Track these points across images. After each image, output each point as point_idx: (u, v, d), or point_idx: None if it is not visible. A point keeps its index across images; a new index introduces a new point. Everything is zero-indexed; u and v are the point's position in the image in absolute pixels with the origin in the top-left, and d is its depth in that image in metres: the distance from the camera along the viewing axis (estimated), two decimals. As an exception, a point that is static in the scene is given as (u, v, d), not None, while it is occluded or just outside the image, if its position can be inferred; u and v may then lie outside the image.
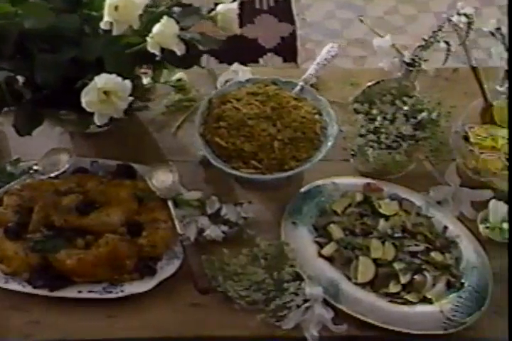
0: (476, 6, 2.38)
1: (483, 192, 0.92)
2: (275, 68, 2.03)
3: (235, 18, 0.88)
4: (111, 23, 0.76)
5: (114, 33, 0.75)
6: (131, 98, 0.77)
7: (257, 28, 2.34)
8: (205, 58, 2.29)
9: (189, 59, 0.86)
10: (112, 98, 0.75)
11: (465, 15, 0.88)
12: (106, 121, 0.76)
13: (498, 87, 1.09)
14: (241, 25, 2.39)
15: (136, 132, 1.06)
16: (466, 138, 0.97)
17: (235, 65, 1.10)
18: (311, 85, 1.11)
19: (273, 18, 2.37)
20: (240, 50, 2.33)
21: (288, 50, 2.25)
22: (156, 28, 0.78)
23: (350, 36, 2.38)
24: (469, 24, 0.90)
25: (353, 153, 0.92)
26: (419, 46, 0.93)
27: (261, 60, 2.16)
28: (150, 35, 0.78)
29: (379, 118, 0.87)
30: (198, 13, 0.87)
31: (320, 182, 0.94)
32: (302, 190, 0.93)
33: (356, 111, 0.92)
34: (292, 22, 2.33)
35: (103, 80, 0.73)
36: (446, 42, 0.91)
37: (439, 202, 0.94)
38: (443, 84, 1.12)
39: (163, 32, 0.78)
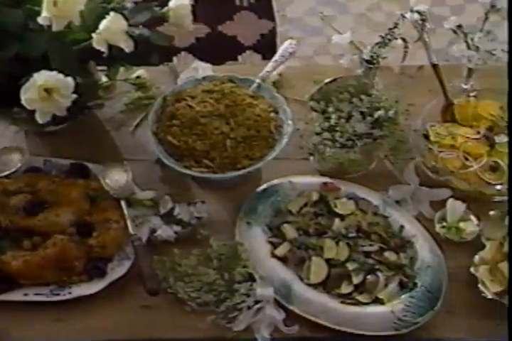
0: (461, 3, 2.41)
1: (442, 192, 0.93)
2: (253, 66, 2.03)
3: (187, 14, 0.88)
4: (52, 19, 0.75)
5: (54, 28, 0.75)
6: (74, 96, 0.77)
7: (236, 25, 2.34)
8: (182, 56, 2.30)
9: (140, 56, 0.86)
10: (54, 96, 0.74)
11: (418, 12, 0.89)
12: (48, 119, 0.76)
13: (463, 85, 1.11)
14: (220, 23, 2.41)
15: (94, 131, 1.06)
16: (427, 137, 0.98)
17: (196, 62, 1.10)
18: (274, 83, 1.12)
19: (253, 15, 2.38)
20: (218, 47, 2.34)
21: (267, 47, 2.25)
22: (103, 24, 0.78)
23: (332, 33, 2.40)
24: (423, 21, 0.90)
25: (310, 151, 0.92)
26: (376, 43, 0.93)
27: (240, 58, 2.17)
28: (97, 31, 0.78)
29: (333, 116, 0.87)
30: (149, 9, 0.88)
31: (276, 181, 0.94)
32: (258, 189, 0.94)
33: (313, 109, 0.92)
34: (272, 19, 2.33)
35: (43, 77, 0.73)
36: (403, 40, 0.92)
37: (398, 202, 0.94)
38: (408, 82, 1.13)
39: (110, 28, 0.78)
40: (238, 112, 0.90)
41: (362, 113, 0.90)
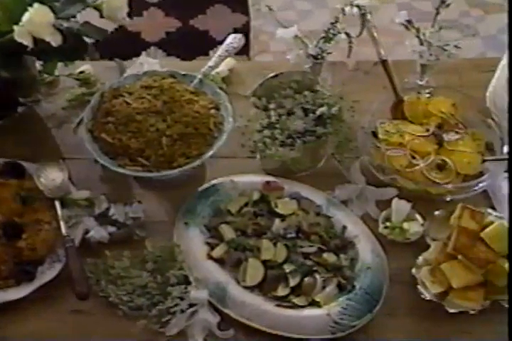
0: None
1: (388, 191, 0.92)
2: (259, 61, 2.02)
3: (122, 6, 0.87)
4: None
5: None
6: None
7: (208, 20, 2.33)
8: (151, 51, 2.29)
9: (71, 51, 0.85)
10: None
11: (357, 6, 0.89)
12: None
13: (418, 81, 1.11)
14: (192, 17, 2.41)
15: (34, 128, 1.05)
16: (375, 135, 0.98)
17: (142, 57, 1.09)
18: (223, 78, 1.12)
19: (226, 9, 2.37)
20: (189, 42, 2.33)
21: (240, 42, 2.25)
22: (26, 16, 0.77)
23: (307, 28, 2.40)
24: (363, 15, 0.90)
25: (251, 149, 0.92)
26: (321, 38, 0.93)
27: (211, 53, 2.16)
28: (20, 23, 0.77)
29: (273, 113, 0.87)
30: (82, 1, 0.87)
31: (218, 180, 0.94)
32: (200, 188, 0.93)
33: (255, 106, 0.92)
34: (246, 13, 2.33)
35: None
36: (347, 34, 0.92)
37: (345, 201, 0.95)
38: (362, 78, 1.13)
39: (34, 20, 0.77)
40: (176, 109, 0.89)
41: (305, 110, 0.90)
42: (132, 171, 0.86)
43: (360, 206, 0.94)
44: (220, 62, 0.98)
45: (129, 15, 1.75)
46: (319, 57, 0.94)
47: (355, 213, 0.92)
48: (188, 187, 0.95)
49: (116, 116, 0.89)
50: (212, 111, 0.92)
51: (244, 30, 2.24)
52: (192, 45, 2.18)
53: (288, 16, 2.31)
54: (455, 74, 1.15)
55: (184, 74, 0.95)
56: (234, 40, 0.99)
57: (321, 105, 0.90)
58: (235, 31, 2.26)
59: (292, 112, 0.89)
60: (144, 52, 2.17)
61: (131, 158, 0.87)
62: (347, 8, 0.89)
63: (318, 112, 0.89)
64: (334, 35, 0.92)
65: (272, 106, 0.90)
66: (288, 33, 0.95)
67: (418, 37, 1.01)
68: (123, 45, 2.18)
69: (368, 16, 0.96)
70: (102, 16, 0.85)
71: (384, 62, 0.99)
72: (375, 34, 0.97)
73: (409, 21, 0.99)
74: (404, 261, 0.87)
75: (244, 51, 2.32)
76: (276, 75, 0.93)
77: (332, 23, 0.90)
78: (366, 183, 0.94)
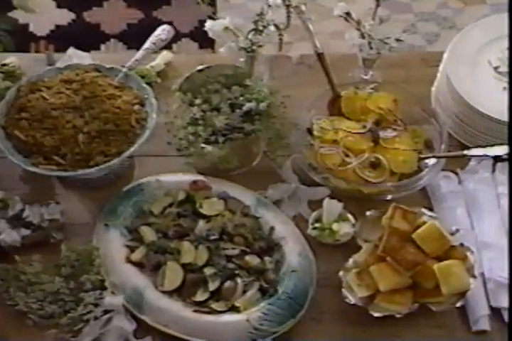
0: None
1: (320, 190, 0.92)
2: (187, 54, 2.00)
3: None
4: None
5: None
6: None
7: (173, 11, 2.31)
8: (111, 43, 2.26)
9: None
10: None
11: (281, -3, 0.88)
12: None
13: (363, 76, 1.10)
14: (155, 7, 2.38)
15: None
16: (311, 131, 0.97)
17: (70, 50, 1.07)
18: (158, 73, 1.10)
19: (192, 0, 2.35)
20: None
21: (205, 35, 2.22)
22: None
23: (276, 20, 2.39)
24: (288, 7, 0.90)
25: (176, 147, 0.90)
26: (251, 30, 0.92)
27: (175, 46, 2.14)
28: None
29: (196, 108, 0.86)
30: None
31: (143, 179, 0.92)
32: (124, 188, 0.92)
33: (182, 101, 0.90)
34: (213, 4, 2.31)
35: None
36: (276, 26, 0.91)
37: (278, 201, 0.93)
38: (305, 72, 1.12)
39: None
40: (95, 104, 0.88)
41: (232, 105, 0.89)
42: (46, 170, 0.84)
43: (292, 206, 0.93)
44: (147, 55, 0.96)
45: (88, 5, 1.71)
46: (250, 50, 0.93)
47: (288, 214, 0.91)
48: (115, 187, 0.94)
49: (31, 112, 0.87)
50: (136, 106, 0.90)
51: (210, 22, 2.22)
52: (154, 37, 2.16)
53: (256, 9, 2.30)
54: (402, 68, 1.14)
55: (109, 68, 0.93)
56: (162, 32, 0.98)
57: (250, 100, 0.89)
58: (200, 23, 2.24)
59: (219, 108, 0.88)
60: (102, 45, 2.16)
61: (45, 156, 0.85)
62: (270, 0, 0.88)
63: (245, 108, 0.87)
64: (264, 27, 0.90)
65: (198, 101, 0.88)
66: (217, 25, 0.94)
67: (358, 30, 1.01)
68: (80, 37, 2.15)
69: (303, 8, 0.95)
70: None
71: (320, 56, 0.98)
72: (310, 26, 0.96)
73: (348, 14, 0.99)
74: (335, 263, 0.86)
75: (209, 44, 2.31)
76: (203, 69, 0.92)
77: (259, 15, 0.89)
78: (300, 183, 0.94)
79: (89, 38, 2.20)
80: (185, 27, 2.19)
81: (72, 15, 2.19)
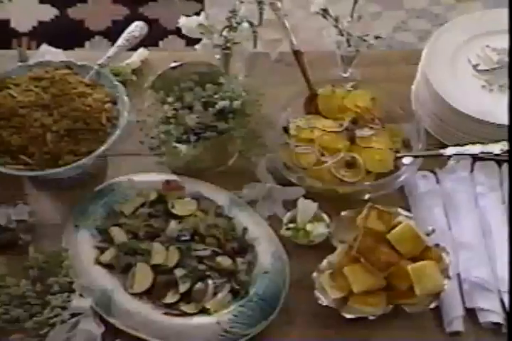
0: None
1: (295, 190, 0.91)
2: (175, 51, 1.99)
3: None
4: None
5: None
6: None
7: (159, 7, 2.30)
8: (96, 40, 2.25)
9: None
10: None
11: (252, -7, 0.87)
12: None
13: (342, 74, 1.10)
14: (141, 4, 2.37)
15: None
16: (287, 130, 0.96)
17: (43, 46, 1.06)
18: (134, 70, 1.09)
19: (180, -4, 2.34)
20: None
21: (192, 31, 2.22)
22: None
23: (268, 17, 2.38)
24: (259, 3, 0.89)
25: (149, 146, 0.90)
26: (225, 27, 0.92)
27: (161, 43, 2.13)
28: None
29: (167, 106, 0.85)
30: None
31: (115, 179, 0.91)
32: (96, 188, 0.91)
33: (155, 99, 0.90)
34: (201, 0, 2.30)
35: None
36: (250, 23, 0.90)
37: (253, 201, 0.92)
38: (284, 70, 1.11)
39: None
40: (65, 102, 0.87)
41: (205, 103, 0.88)
42: (13, 170, 0.83)
43: (267, 206, 0.92)
44: (120, 52, 0.95)
45: (72, 1, 1.67)
46: (224, 47, 0.92)
47: (262, 214, 0.91)
48: (88, 188, 0.93)
49: (-2, 110, 0.86)
50: (107, 105, 0.89)
51: (197, 18, 2.21)
52: (140, 34, 2.15)
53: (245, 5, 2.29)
54: (383, 66, 1.14)
55: (81, 65, 0.93)
56: (135, 28, 0.97)
57: (224, 99, 0.88)
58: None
59: (192, 106, 0.87)
60: (87, 42, 2.14)
61: (12, 155, 0.84)
62: (243, -3, 0.88)
63: (218, 106, 0.87)
64: (238, 23, 0.90)
65: (170, 99, 0.88)
66: (191, 22, 0.93)
67: (336, 26, 1.00)
68: (64, 34, 2.13)
69: (279, 5, 0.94)
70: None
71: (296, 53, 0.97)
72: (286, 23, 0.96)
73: (325, 10, 0.98)
74: (309, 264, 0.85)
75: (197, 41, 2.30)
76: (176, 66, 0.91)
77: (231, 12, 0.89)
78: (276, 182, 0.93)
79: (73, 34, 2.18)
80: (171, 24, 2.18)
81: (55, 11, 2.17)
